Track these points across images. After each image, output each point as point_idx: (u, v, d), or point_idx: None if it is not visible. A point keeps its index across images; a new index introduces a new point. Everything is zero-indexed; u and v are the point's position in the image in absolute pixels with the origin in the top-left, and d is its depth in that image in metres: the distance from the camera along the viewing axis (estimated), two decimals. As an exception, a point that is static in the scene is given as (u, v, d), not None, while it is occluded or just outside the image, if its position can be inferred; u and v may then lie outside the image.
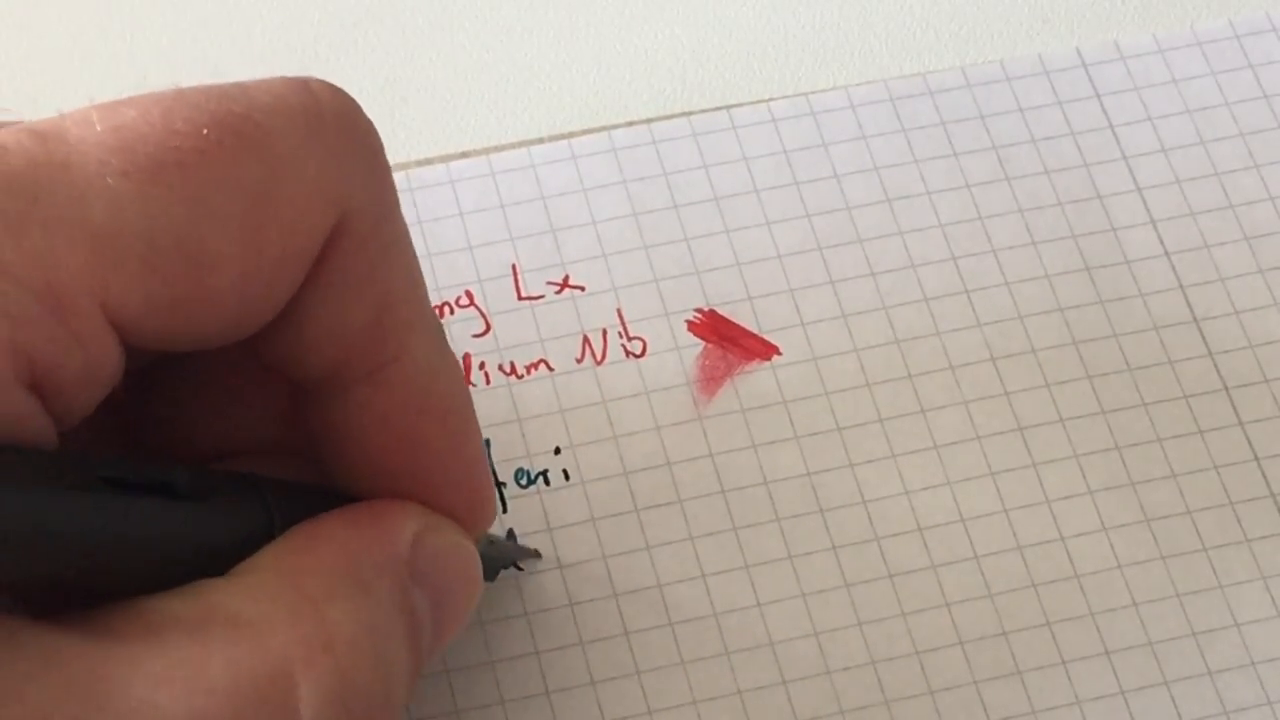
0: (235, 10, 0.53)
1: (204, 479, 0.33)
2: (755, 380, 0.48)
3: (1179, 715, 0.44)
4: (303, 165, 0.32)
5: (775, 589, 0.45)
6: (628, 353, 0.48)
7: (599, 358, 0.48)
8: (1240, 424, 0.47)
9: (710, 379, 0.47)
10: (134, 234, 0.30)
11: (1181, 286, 0.49)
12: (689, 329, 0.48)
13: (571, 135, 0.51)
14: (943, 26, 0.54)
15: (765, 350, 0.48)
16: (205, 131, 0.31)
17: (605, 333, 0.48)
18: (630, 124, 0.51)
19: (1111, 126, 0.51)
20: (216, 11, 0.53)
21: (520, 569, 0.45)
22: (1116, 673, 0.44)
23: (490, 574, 0.44)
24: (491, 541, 0.43)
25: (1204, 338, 0.48)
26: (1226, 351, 0.48)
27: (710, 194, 0.50)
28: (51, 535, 0.29)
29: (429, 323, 0.36)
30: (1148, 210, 0.50)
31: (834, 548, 0.46)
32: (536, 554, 0.45)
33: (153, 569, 0.32)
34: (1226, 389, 0.48)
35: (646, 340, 0.48)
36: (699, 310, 0.48)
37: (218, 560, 0.33)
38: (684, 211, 0.50)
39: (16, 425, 0.30)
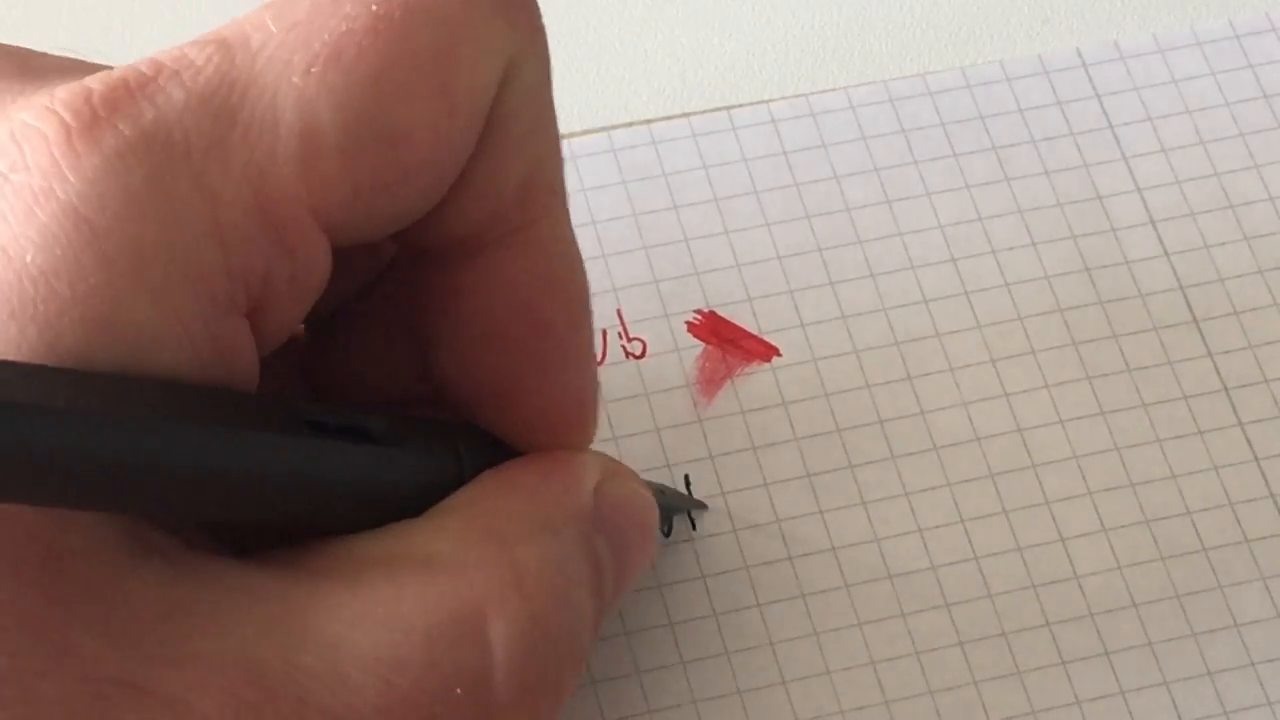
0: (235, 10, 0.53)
1: (398, 425, 0.34)
2: (755, 381, 0.48)
3: (1179, 716, 0.44)
4: (472, 22, 0.32)
5: (775, 590, 0.45)
6: (627, 354, 0.48)
7: (598, 358, 0.48)
8: (1240, 424, 0.47)
9: (710, 380, 0.47)
10: (330, 127, 0.30)
11: (1181, 287, 0.49)
12: (689, 330, 0.48)
13: (571, 136, 0.51)
14: (943, 27, 0.54)
15: (765, 351, 0.48)
16: (374, 8, 0.31)
17: (605, 334, 0.48)
18: (630, 124, 0.51)
19: (1111, 127, 0.51)
20: (216, 11, 0.53)
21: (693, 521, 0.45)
22: (1116, 673, 0.44)
23: (662, 524, 0.43)
24: (663, 490, 0.43)
25: (1204, 338, 0.48)
26: (1226, 352, 0.48)
27: (710, 195, 0.50)
28: (264, 478, 0.30)
29: (564, 191, 0.36)
30: (1148, 210, 0.50)
31: (833, 549, 0.46)
32: (704, 506, 0.45)
33: (352, 511, 0.33)
34: (1226, 389, 0.48)
35: (646, 341, 0.48)
36: (699, 311, 0.48)
37: (412, 504, 0.33)
38: (684, 212, 0.50)
39: (229, 355, 0.31)
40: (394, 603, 0.31)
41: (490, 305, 0.35)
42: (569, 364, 0.36)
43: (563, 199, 0.36)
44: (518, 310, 0.35)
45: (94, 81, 0.30)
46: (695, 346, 0.48)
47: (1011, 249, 0.49)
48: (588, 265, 0.48)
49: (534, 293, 0.35)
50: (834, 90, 0.52)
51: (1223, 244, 0.50)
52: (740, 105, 0.51)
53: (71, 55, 0.34)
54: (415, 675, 0.31)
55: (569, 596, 0.34)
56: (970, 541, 0.46)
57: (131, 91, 0.30)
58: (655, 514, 0.39)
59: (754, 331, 0.48)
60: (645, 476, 0.46)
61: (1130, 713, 0.44)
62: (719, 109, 0.51)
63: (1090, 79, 0.52)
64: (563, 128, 0.50)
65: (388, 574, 0.32)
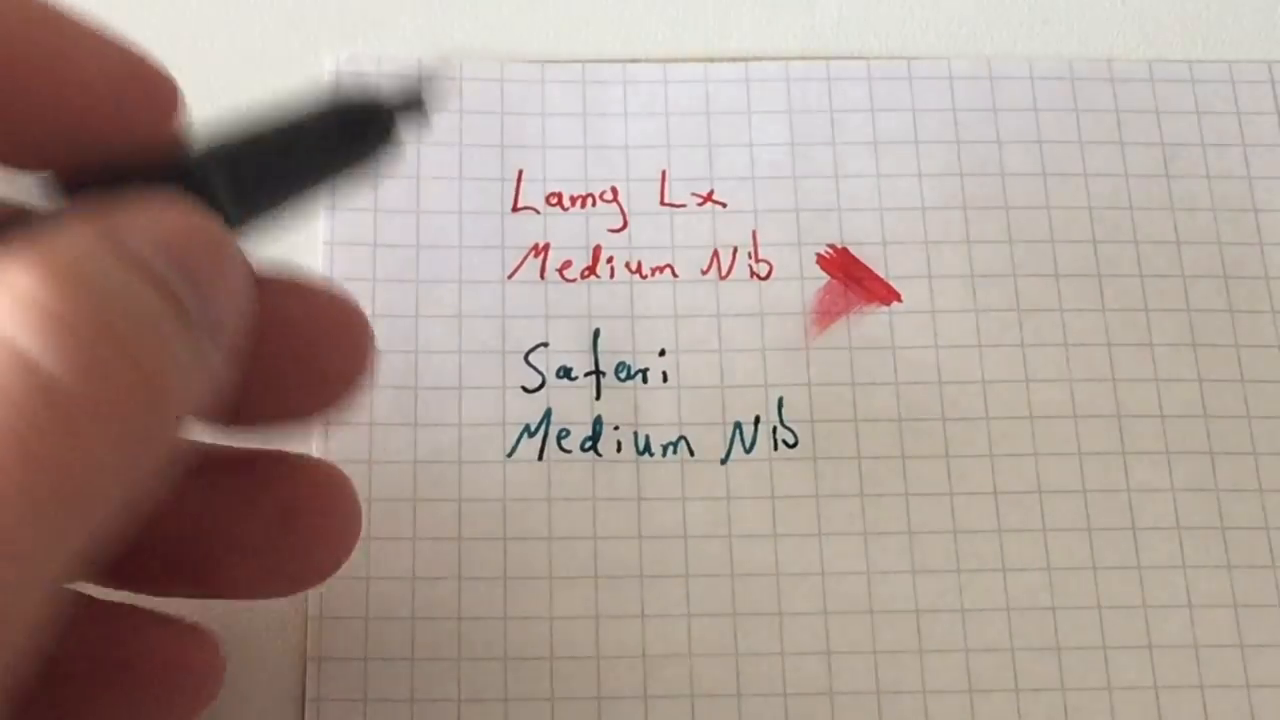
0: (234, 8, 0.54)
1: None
2: (869, 322, 0.48)
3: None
4: None
5: (840, 524, 0.46)
6: (753, 273, 0.49)
7: (724, 273, 0.49)
8: (1341, 454, 0.47)
9: (826, 312, 0.48)
10: None
11: (1315, 310, 0.49)
12: (818, 261, 0.49)
13: (746, 60, 0.52)
14: (928, 21, 0.54)
15: (886, 294, 0.49)
16: None
17: (736, 250, 0.49)
18: (805, 59, 0.52)
19: (1286, 143, 0.51)
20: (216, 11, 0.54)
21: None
22: (1154, 667, 0.45)
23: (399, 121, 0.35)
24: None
25: (1325, 364, 0.48)
26: (1348, 382, 0.48)
27: (871, 137, 0.51)
28: None
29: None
30: (1300, 231, 0.50)
31: (906, 494, 0.46)
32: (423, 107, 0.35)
33: None
34: (1335, 417, 0.48)
35: (774, 264, 0.49)
36: (831, 246, 0.49)
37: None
38: (841, 149, 0.50)
39: None
40: None
41: None
42: None
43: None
44: None
45: None
46: (820, 279, 0.49)
47: (1155, 242, 0.49)
48: (736, 184, 0.49)
49: None
50: (1015, 58, 0.52)
51: (1374, 279, 0.49)
52: (920, 58, 0.52)
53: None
54: None
55: (116, 290, 0.31)
56: (1043, 514, 0.46)
57: None
58: (217, 235, 0.34)
59: (880, 274, 0.49)
60: (743, 392, 0.47)
61: (1159, 708, 0.44)
62: (899, 58, 0.52)
63: (1276, 95, 0.52)
64: (736, 51, 0.52)
65: None
